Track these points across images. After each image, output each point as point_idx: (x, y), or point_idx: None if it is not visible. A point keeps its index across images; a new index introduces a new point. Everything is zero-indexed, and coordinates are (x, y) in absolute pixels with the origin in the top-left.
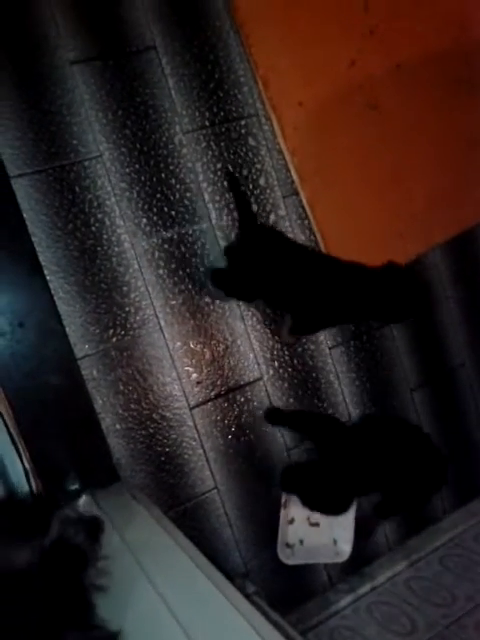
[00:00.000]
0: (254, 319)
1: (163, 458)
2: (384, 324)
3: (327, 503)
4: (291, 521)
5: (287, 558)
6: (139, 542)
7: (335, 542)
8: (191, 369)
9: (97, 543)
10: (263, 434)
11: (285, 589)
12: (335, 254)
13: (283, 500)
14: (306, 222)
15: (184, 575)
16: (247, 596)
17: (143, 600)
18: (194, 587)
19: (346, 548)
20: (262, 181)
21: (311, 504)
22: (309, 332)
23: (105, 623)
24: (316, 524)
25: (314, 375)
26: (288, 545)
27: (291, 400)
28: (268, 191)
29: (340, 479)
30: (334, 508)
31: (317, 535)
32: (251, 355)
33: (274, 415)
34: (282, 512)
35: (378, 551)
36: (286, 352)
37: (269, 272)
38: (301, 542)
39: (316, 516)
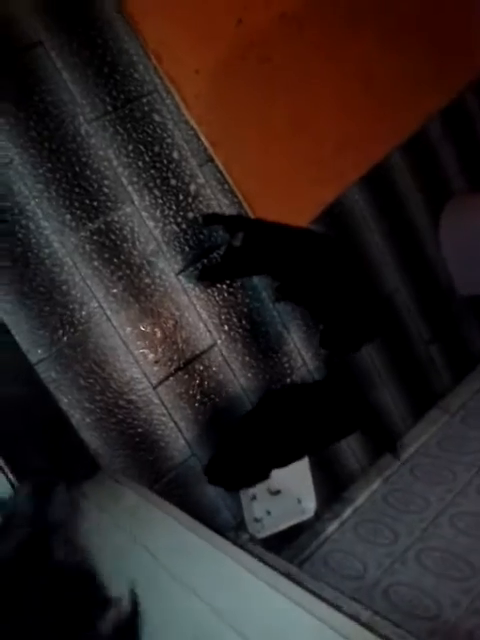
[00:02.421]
0: (197, 290)
1: (137, 439)
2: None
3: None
4: (253, 497)
5: (258, 532)
6: (129, 518)
7: (299, 501)
8: (146, 351)
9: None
10: (228, 395)
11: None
12: (259, 212)
13: None
14: (226, 186)
15: (176, 537)
16: (242, 545)
17: (143, 568)
18: (186, 546)
19: (310, 504)
20: (175, 154)
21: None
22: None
23: (115, 596)
24: (277, 492)
25: (264, 330)
26: (257, 520)
27: (248, 358)
28: (183, 163)
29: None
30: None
31: (281, 501)
32: (200, 325)
33: None
34: (241, 493)
35: (353, 475)
36: (234, 314)
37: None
38: (268, 513)
39: (275, 484)
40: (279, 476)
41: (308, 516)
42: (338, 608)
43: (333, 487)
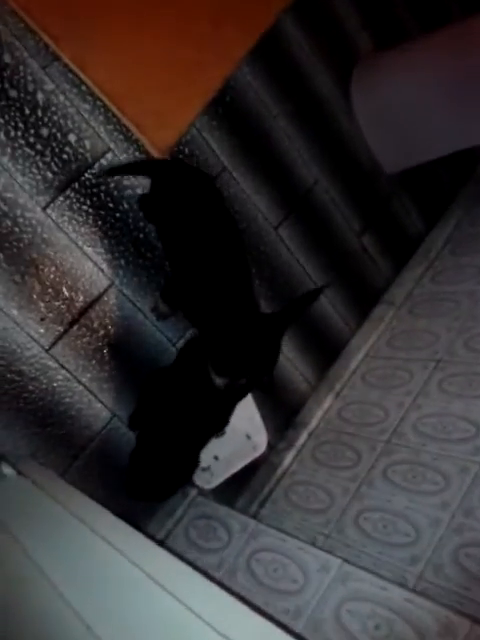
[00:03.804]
0: (75, 223)
1: (41, 414)
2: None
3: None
4: None
5: (208, 483)
6: (21, 520)
7: (248, 437)
8: (26, 309)
9: None
10: (140, 338)
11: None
12: (131, 114)
13: None
14: (83, 88)
15: (56, 532)
16: (192, 499)
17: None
18: (65, 541)
19: (261, 438)
20: (7, 58)
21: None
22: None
23: None
24: (222, 433)
25: None
26: (204, 469)
27: (156, 293)
28: (21, 67)
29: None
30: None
31: (228, 442)
32: (89, 264)
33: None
34: None
35: (303, 395)
36: (129, 243)
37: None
38: (216, 458)
39: None
40: None
41: (260, 451)
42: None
43: (283, 413)
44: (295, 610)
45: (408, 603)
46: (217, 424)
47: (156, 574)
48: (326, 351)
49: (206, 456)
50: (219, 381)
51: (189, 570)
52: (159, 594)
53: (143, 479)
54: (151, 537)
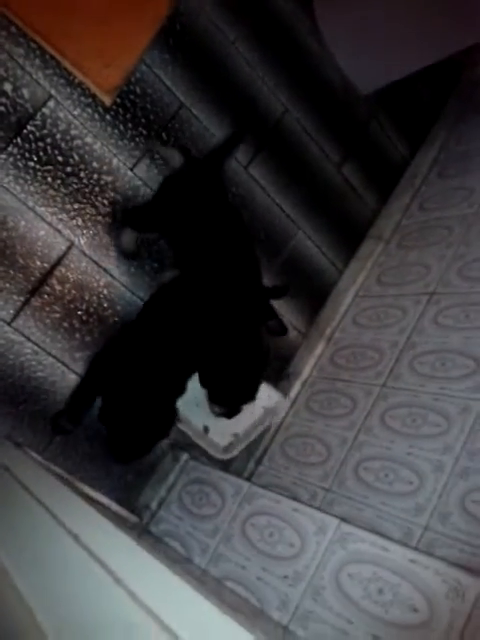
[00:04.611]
0: (22, 182)
1: (12, 392)
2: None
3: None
4: (206, 429)
5: (231, 452)
6: None
7: (263, 408)
8: None
9: None
10: (109, 301)
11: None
12: (72, 51)
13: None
14: (13, 29)
15: (35, 536)
16: (184, 464)
17: None
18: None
19: (276, 401)
20: None
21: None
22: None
23: None
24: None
25: (131, 207)
26: (226, 448)
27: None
28: None
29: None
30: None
31: (246, 419)
32: (44, 226)
33: None
34: (189, 433)
35: (293, 345)
36: (85, 199)
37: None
38: (236, 436)
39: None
40: None
41: (281, 415)
42: None
43: (275, 364)
44: (294, 576)
45: (412, 564)
46: (188, 367)
47: (121, 569)
48: (313, 295)
49: (225, 437)
50: (217, 410)
51: (168, 573)
52: (123, 597)
53: (120, 439)
54: (145, 507)
